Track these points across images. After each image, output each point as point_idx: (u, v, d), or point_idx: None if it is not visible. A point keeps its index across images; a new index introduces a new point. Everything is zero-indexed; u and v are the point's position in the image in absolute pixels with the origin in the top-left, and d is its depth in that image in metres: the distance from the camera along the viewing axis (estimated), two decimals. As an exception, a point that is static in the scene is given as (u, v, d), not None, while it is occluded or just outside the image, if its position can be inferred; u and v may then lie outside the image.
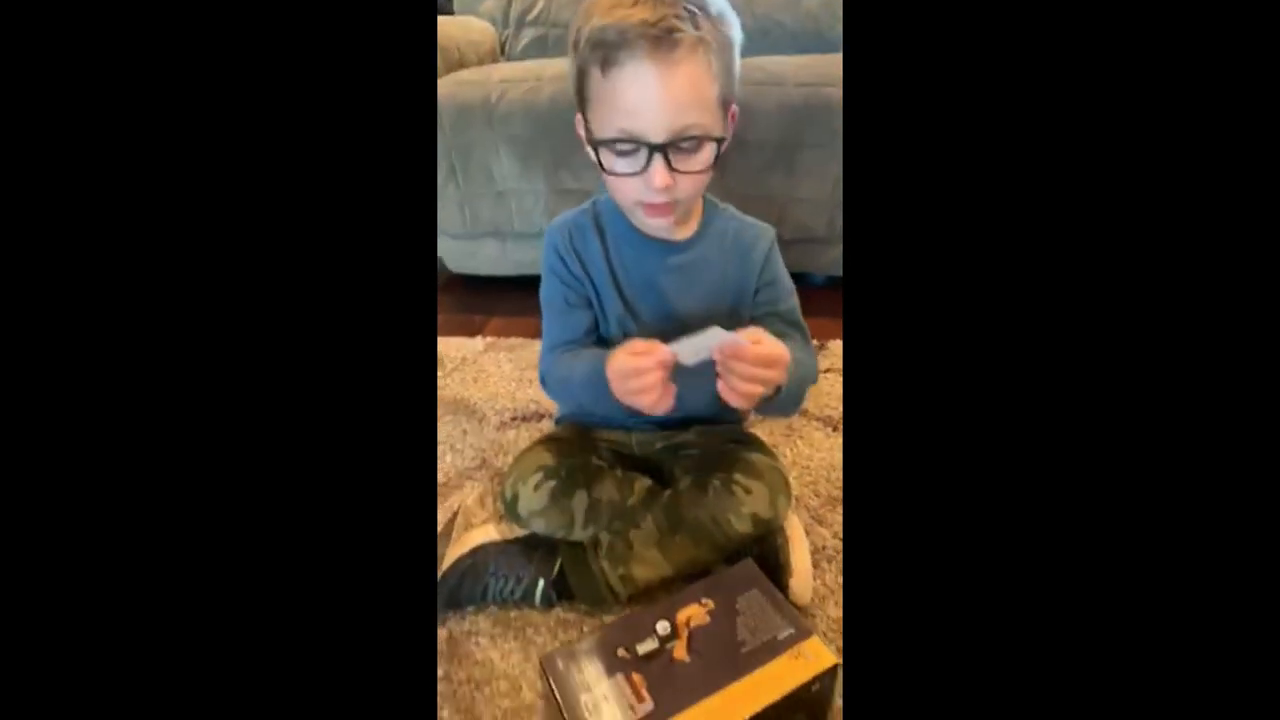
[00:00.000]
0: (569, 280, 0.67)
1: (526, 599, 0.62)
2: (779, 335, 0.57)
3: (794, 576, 0.60)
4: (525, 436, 0.90)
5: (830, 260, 1.30)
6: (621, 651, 0.50)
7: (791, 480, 0.78)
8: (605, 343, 0.67)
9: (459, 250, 1.39)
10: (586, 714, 0.46)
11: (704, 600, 0.54)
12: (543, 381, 0.70)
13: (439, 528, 0.70)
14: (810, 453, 0.86)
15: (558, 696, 0.47)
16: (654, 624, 0.52)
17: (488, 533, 0.66)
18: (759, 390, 0.53)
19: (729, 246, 0.67)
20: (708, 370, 0.54)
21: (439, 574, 0.63)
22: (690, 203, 0.62)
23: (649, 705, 0.46)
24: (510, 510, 0.67)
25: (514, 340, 1.17)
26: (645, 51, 0.51)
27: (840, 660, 0.50)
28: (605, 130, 0.55)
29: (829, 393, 0.98)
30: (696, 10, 0.52)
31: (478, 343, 1.17)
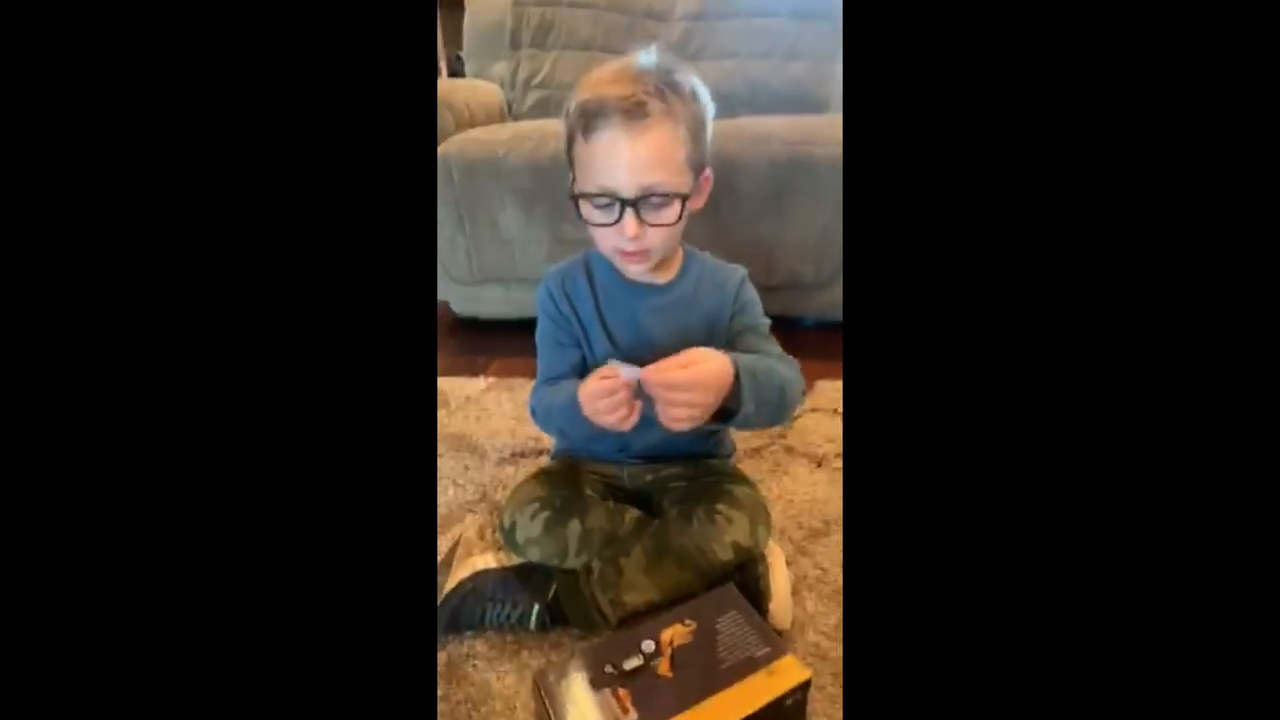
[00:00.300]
0: (559, 320, 0.73)
1: (522, 623, 0.65)
2: (753, 350, 0.63)
3: (774, 601, 0.64)
4: (524, 472, 0.94)
5: (818, 304, 1.37)
6: (609, 668, 0.54)
7: (777, 513, 0.83)
8: None
9: (465, 295, 1.46)
10: (575, 725, 0.49)
11: (687, 621, 0.58)
12: (532, 412, 0.75)
13: (440, 557, 0.75)
14: (795, 488, 0.90)
15: (549, 709, 0.51)
16: (639, 643, 0.56)
17: (486, 560, 0.70)
18: (689, 413, 0.57)
19: (706, 286, 0.73)
20: None
21: (439, 599, 0.66)
22: (664, 251, 0.69)
23: (633, 716, 0.50)
24: (508, 538, 0.71)
25: (515, 380, 1.22)
26: (619, 121, 0.59)
27: (811, 676, 0.54)
28: (586, 186, 0.63)
29: (815, 430, 1.03)
30: (666, 88, 0.60)
31: (480, 382, 1.23)
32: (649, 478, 0.77)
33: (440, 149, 1.34)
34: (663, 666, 0.54)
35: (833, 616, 0.68)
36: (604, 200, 0.63)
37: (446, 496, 0.91)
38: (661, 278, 0.73)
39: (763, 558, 0.68)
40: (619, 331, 0.72)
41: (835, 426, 1.04)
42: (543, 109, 1.66)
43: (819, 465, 0.95)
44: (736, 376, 0.58)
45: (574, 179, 0.66)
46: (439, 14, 2.75)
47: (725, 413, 0.60)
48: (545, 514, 0.69)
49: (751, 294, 0.74)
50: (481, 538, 0.82)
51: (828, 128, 1.30)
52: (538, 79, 1.69)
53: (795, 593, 0.70)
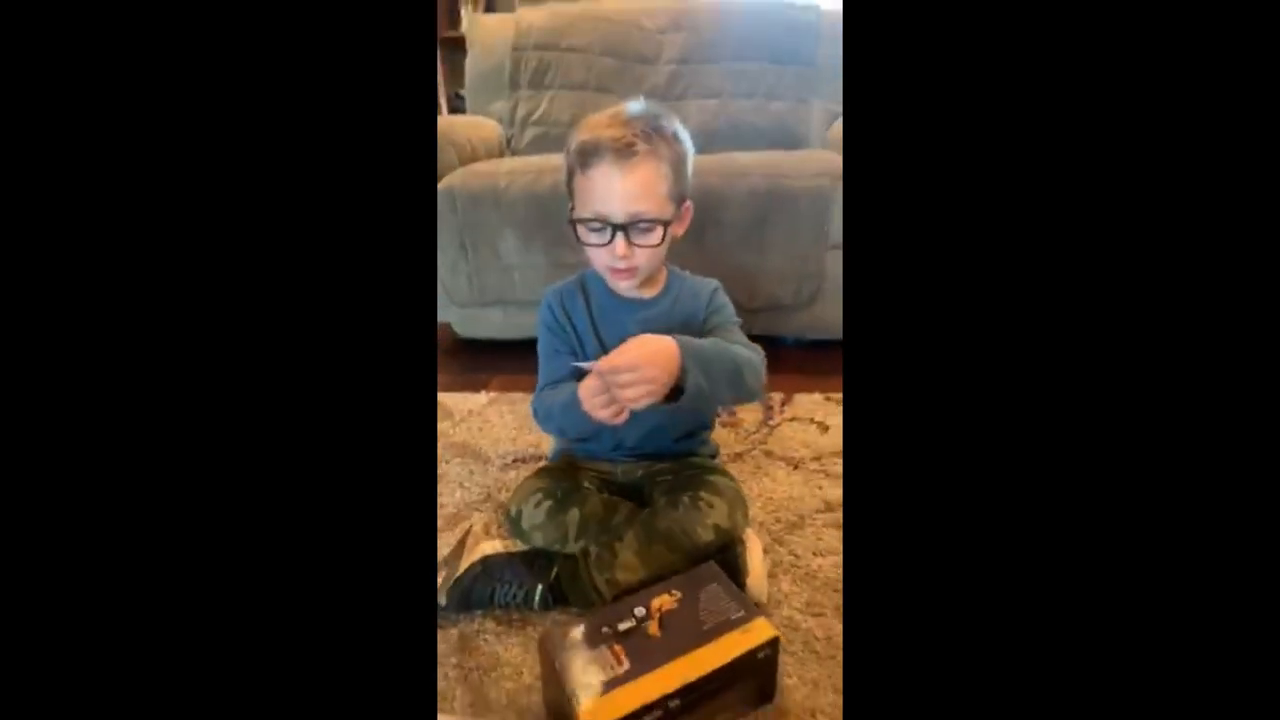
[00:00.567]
0: (558, 331, 0.83)
1: (527, 602, 0.73)
2: (723, 336, 0.75)
3: (750, 577, 0.73)
4: (525, 475, 1.02)
5: (797, 324, 1.47)
6: (605, 629, 0.61)
7: (757, 509, 0.92)
8: None
9: (467, 317, 1.55)
10: (577, 674, 0.57)
11: (673, 592, 0.66)
12: (534, 413, 0.84)
13: (450, 549, 0.82)
14: (774, 487, 0.98)
15: (554, 661, 0.58)
16: (632, 609, 0.63)
17: (495, 547, 0.78)
18: (640, 389, 0.64)
19: (685, 299, 0.84)
20: (675, 412, 0.68)
21: (451, 582, 0.74)
22: (649, 269, 0.79)
23: (626, 666, 0.57)
24: (514, 526, 0.80)
25: (515, 395, 1.31)
26: (611, 159, 0.71)
27: (779, 635, 0.62)
28: (583, 212, 0.74)
29: (793, 438, 1.12)
30: (653, 132, 0.72)
31: (482, 397, 1.31)
32: (640, 473, 0.86)
33: (444, 181, 1.44)
34: (652, 628, 0.62)
35: (804, 595, 0.76)
36: (598, 225, 0.73)
37: (454, 497, 0.99)
38: (648, 293, 0.83)
39: (741, 540, 0.76)
40: (611, 341, 0.81)
41: (811, 434, 1.13)
42: (539, 145, 1.76)
43: (795, 468, 1.04)
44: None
45: (573, 207, 0.77)
46: (441, 54, 2.91)
47: (678, 389, 0.68)
48: (548, 503, 0.78)
49: (723, 299, 0.85)
50: (487, 532, 0.89)
51: (804, 162, 1.41)
52: (535, 117, 1.80)
53: (772, 575, 0.79)
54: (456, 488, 1.01)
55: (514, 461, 1.08)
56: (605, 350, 0.81)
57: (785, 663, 0.66)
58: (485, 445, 1.13)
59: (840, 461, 1.04)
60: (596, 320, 0.82)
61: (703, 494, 0.77)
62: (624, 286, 0.80)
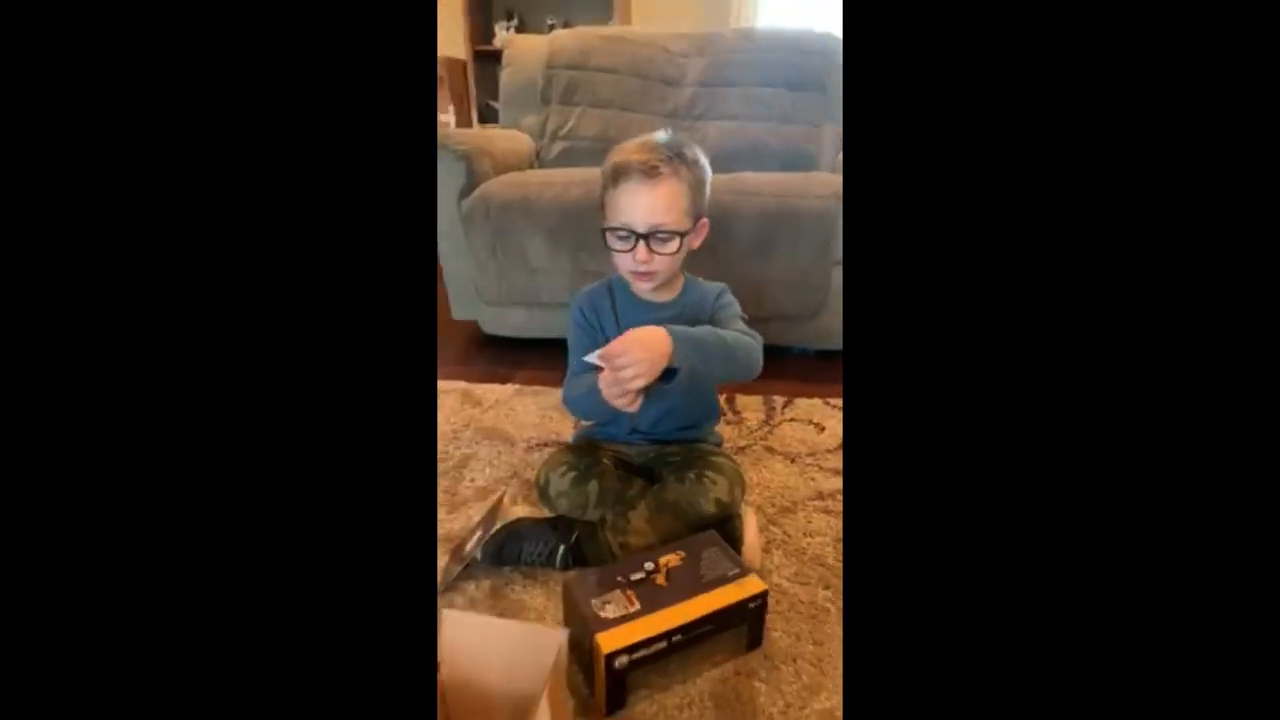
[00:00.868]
0: (586, 329, 0.95)
1: (550, 561, 0.84)
2: (725, 325, 0.86)
3: (745, 546, 0.83)
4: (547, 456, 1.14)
5: (801, 335, 1.57)
6: (619, 578, 0.72)
7: (755, 495, 1.03)
8: None
9: (494, 315, 1.67)
10: (596, 609, 0.68)
11: (678, 552, 0.77)
12: (564, 400, 0.96)
13: (482, 515, 0.94)
14: (771, 477, 1.09)
15: (576, 599, 0.69)
16: (643, 563, 0.74)
17: (522, 511, 0.89)
18: (634, 371, 0.75)
19: (698, 301, 0.95)
20: (685, 399, 0.78)
21: (487, 538, 0.85)
22: (667, 274, 0.91)
23: (637, 606, 0.68)
24: (542, 492, 0.91)
25: (538, 388, 1.43)
26: (637, 178, 0.83)
27: (768, 589, 0.72)
28: (612, 222, 0.87)
29: (792, 436, 1.23)
30: (675, 157, 0.84)
31: (509, 388, 1.43)
32: (651, 454, 0.97)
33: (480, 189, 1.57)
34: (659, 579, 0.72)
35: (792, 568, 0.87)
36: (624, 233, 0.86)
37: (484, 474, 1.10)
38: (666, 296, 0.94)
39: (739, 514, 0.87)
40: None
41: (809, 433, 1.24)
42: (566, 157, 1.88)
43: (792, 462, 1.14)
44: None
45: (604, 217, 0.89)
46: (474, 66, 3.06)
47: (671, 371, 0.78)
48: (572, 474, 0.89)
49: (729, 298, 0.96)
50: (514, 504, 1.01)
51: (810, 183, 1.52)
52: (564, 131, 1.92)
53: (765, 550, 0.89)
54: (486, 466, 1.13)
55: (538, 445, 1.19)
56: None
57: (772, 621, 0.77)
58: (511, 430, 1.25)
59: (833, 458, 1.15)
60: (620, 319, 0.94)
61: (707, 472, 0.88)
62: (644, 288, 0.92)
